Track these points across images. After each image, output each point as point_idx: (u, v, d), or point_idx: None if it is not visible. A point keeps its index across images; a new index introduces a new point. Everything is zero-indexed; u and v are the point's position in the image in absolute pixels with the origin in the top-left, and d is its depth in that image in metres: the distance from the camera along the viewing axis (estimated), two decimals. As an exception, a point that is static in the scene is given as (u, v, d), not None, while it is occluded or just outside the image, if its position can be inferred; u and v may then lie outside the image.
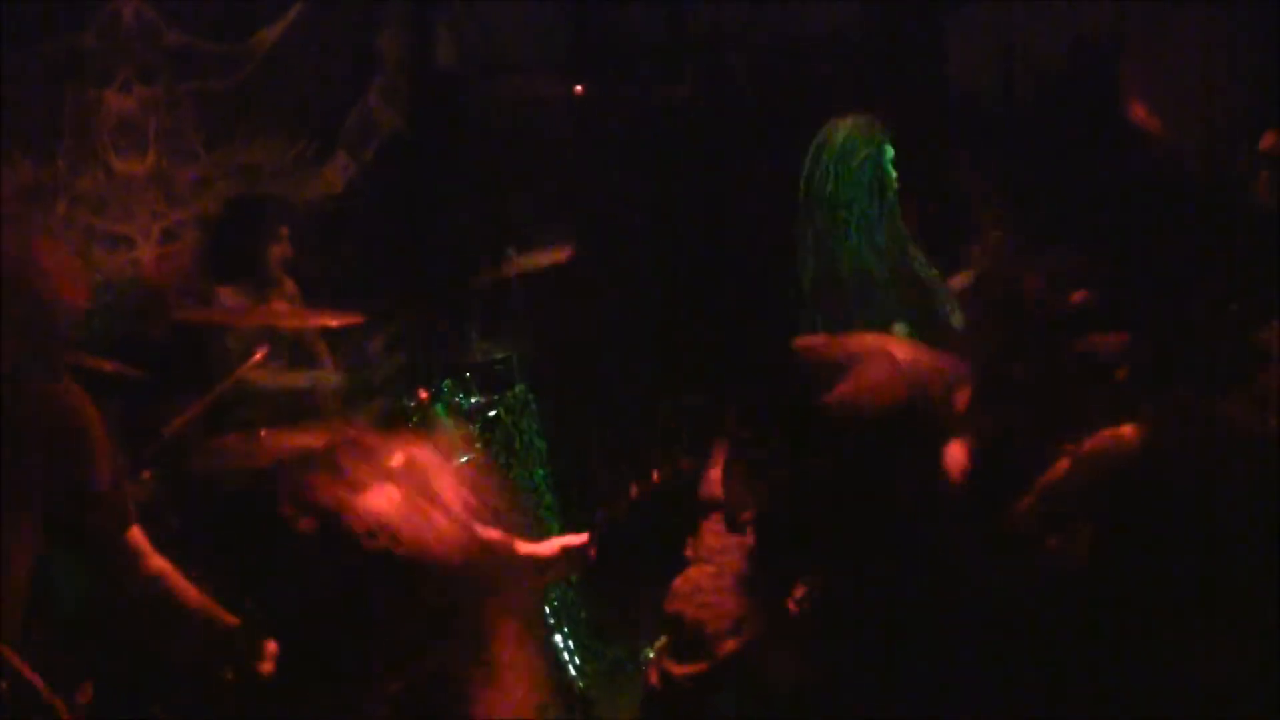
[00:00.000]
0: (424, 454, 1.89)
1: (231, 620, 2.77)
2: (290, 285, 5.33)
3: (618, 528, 3.29)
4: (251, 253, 5.21)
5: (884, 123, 4.33)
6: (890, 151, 4.33)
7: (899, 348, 3.35)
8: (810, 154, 4.39)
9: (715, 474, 3.75)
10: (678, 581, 3.70)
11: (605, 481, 5.95)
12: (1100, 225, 5.18)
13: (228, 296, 5.13)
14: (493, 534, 3.09)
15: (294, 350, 5.25)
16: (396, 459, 1.85)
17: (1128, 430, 2.53)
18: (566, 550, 3.49)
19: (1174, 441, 2.47)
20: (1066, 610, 2.51)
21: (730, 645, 3.59)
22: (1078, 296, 2.87)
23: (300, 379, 5.17)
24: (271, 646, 2.68)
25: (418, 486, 1.82)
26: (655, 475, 3.08)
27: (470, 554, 1.80)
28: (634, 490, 3.13)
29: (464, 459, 4.50)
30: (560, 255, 5.11)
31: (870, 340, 3.39)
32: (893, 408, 2.65)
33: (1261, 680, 2.22)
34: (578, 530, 3.49)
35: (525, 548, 3.56)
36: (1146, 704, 2.32)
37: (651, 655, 4.59)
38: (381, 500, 1.76)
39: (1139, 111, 5.64)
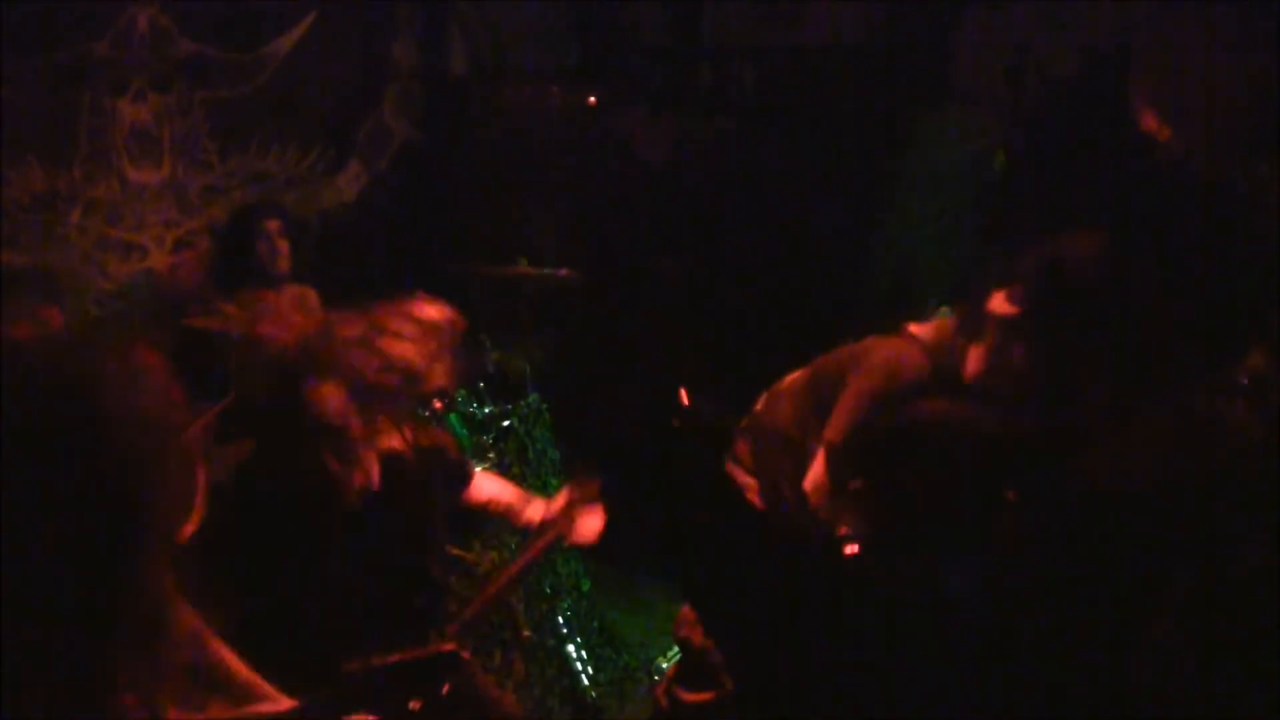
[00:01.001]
0: None
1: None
2: (311, 294, 5.35)
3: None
4: (248, 256, 5.24)
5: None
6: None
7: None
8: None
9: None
10: (686, 608, 3.72)
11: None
12: (1110, 230, 5.18)
13: (230, 309, 5.14)
14: (501, 496, 3.25)
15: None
16: None
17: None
18: (571, 503, 3.57)
19: (1174, 441, 2.47)
20: (1064, 615, 2.51)
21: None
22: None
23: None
24: None
25: None
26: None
27: None
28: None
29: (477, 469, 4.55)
30: (567, 276, 5.15)
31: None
32: None
33: (1262, 683, 2.22)
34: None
35: (533, 508, 3.66)
36: (1146, 705, 2.32)
37: (665, 666, 4.62)
38: None
39: (1149, 120, 5.64)
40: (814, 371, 3.61)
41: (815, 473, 3.34)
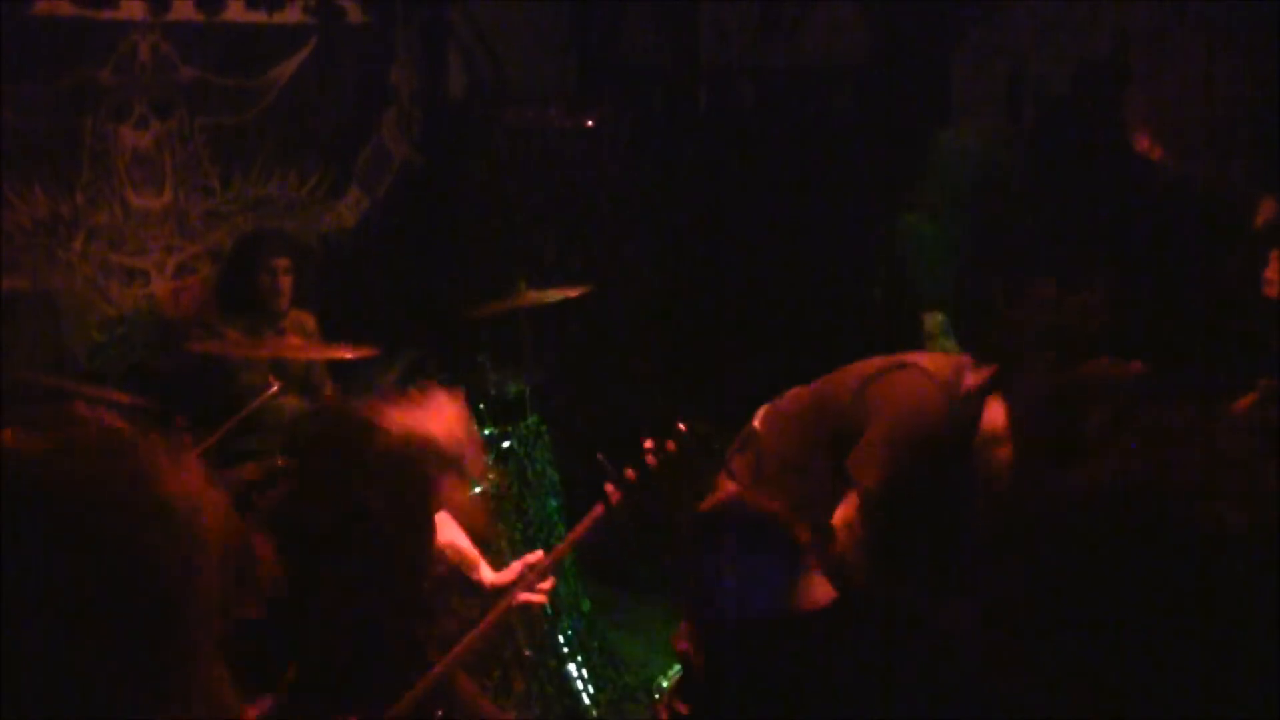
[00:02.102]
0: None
1: None
2: (309, 319, 5.38)
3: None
4: (251, 288, 5.25)
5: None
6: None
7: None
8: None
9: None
10: (686, 620, 3.73)
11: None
12: (1106, 249, 5.22)
13: (232, 333, 5.17)
14: (458, 545, 3.15)
15: (303, 384, 5.30)
16: None
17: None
18: (529, 567, 3.41)
19: (1172, 458, 2.48)
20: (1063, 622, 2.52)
21: None
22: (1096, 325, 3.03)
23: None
24: None
25: None
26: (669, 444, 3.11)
27: None
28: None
29: (477, 490, 4.56)
30: (572, 293, 5.15)
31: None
32: None
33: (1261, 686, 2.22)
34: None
35: (490, 577, 3.53)
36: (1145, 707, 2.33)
37: (666, 685, 4.63)
38: None
39: (1143, 140, 5.67)
40: (818, 396, 3.61)
41: (846, 513, 3.33)
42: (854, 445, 3.38)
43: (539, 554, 3.43)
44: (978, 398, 3.22)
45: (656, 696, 4.66)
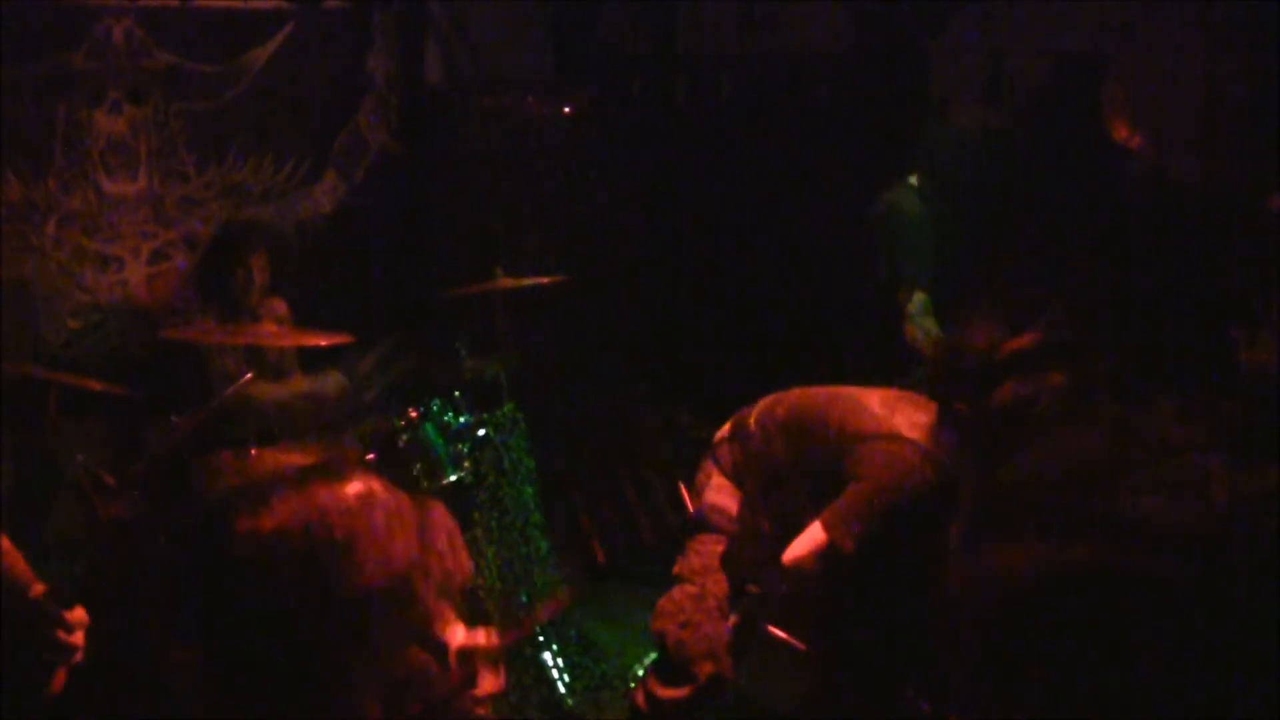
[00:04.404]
0: (380, 494, 1.86)
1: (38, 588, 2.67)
2: (281, 305, 5.36)
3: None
4: (227, 283, 5.24)
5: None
6: None
7: None
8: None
9: (705, 492, 3.79)
10: (663, 600, 3.76)
11: (593, 500, 5.98)
12: (1087, 240, 5.23)
13: (206, 320, 5.17)
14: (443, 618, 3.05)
15: (276, 371, 5.29)
16: (352, 488, 1.82)
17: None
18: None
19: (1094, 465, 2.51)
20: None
21: (709, 667, 3.64)
22: (1016, 344, 3.24)
23: (302, 385, 5.22)
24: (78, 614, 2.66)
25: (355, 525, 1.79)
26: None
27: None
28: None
29: (453, 478, 4.55)
30: (545, 280, 5.15)
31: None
32: None
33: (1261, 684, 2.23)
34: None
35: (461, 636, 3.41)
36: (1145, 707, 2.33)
37: (640, 673, 4.63)
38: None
39: (1121, 129, 5.68)
40: (808, 420, 3.65)
41: (800, 554, 3.43)
42: (831, 489, 3.46)
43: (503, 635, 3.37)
44: (956, 456, 3.33)
45: (632, 685, 4.66)
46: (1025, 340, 3.25)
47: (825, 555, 3.39)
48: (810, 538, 3.42)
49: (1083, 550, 1.16)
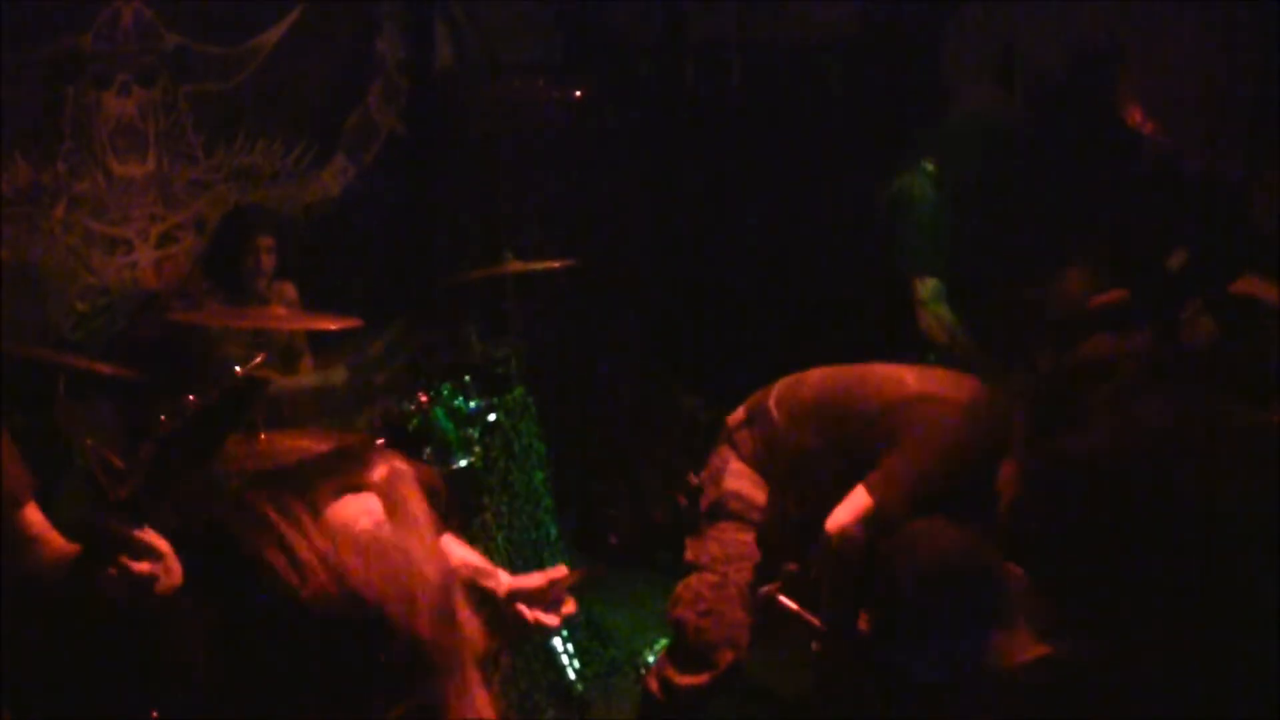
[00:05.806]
0: (404, 469, 1.84)
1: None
2: (290, 289, 5.35)
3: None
4: (235, 266, 5.24)
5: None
6: None
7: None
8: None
9: (724, 479, 3.75)
10: (680, 588, 3.73)
11: (604, 486, 5.98)
12: (1101, 227, 5.21)
13: (214, 303, 5.16)
14: (470, 559, 3.01)
15: (284, 355, 5.28)
16: (379, 471, 1.80)
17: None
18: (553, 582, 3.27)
19: (1174, 440, 2.48)
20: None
21: (729, 656, 3.62)
22: (1107, 298, 3.15)
23: (309, 379, 5.22)
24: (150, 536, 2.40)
25: (394, 504, 1.76)
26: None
27: (436, 615, 1.75)
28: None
29: (463, 463, 4.54)
30: (555, 264, 5.14)
31: None
32: None
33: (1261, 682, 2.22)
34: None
35: (508, 581, 3.40)
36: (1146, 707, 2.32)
37: (652, 659, 4.62)
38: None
39: (1135, 115, 5.66)
40: (844, 396, 3.61)
41: (844, 520, 3.37)
42: (872, 459, 3.41)
43: (563, 570, 3.33)
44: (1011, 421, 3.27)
45: (643, 671, 4.65)
46: (1115, 295, 3.18)
47: (869, 520, 3.33)
48: (854, 503, 3.36)
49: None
